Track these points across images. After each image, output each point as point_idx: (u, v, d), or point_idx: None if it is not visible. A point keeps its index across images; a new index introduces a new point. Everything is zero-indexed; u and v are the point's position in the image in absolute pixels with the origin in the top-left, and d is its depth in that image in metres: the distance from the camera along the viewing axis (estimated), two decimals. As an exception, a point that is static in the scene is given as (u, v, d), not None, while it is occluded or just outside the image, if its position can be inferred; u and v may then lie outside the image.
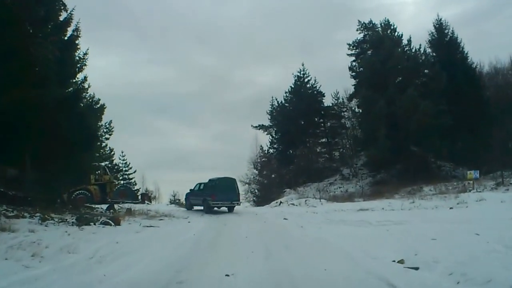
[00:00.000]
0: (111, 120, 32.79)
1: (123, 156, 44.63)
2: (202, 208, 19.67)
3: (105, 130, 31.37)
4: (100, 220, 11.73)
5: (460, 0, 68.37)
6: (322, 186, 29.55)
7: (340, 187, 29.85)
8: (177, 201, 38.42)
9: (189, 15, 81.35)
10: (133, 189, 34.49)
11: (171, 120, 77.55)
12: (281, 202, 24.63)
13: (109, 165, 40.66)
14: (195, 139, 74.56)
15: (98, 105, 27.27)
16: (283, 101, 39.62)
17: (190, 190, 21.85)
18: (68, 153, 14.17)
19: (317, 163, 34.74)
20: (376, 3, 66.31)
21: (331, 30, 76.21)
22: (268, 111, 41.33)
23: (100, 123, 28.44)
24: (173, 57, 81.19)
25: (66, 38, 15.46)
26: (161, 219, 14.54)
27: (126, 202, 25.40)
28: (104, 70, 65.60)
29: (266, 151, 38.41)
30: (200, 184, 20.84)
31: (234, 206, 19.72)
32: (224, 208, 19.88)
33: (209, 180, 19.98)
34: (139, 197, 30.81)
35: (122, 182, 41.12)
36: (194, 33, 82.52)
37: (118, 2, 77.64)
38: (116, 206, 20.17)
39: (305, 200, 23.50)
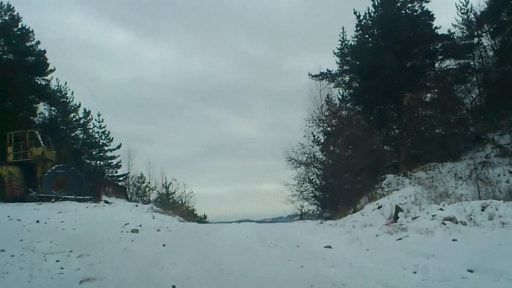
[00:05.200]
0: (44, 50, 24.84)
1: (99, 122, 27.52)
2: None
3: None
4: None
5: None
6: (467, 169, 13.72)
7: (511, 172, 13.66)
8: (163, 196, 24.46)
9: (238, 7, 78.57)
10: (80, 173, 18.88)
11: (221, 109, 75.84)
12: (399, 211, 9.30)
13: (83, 136, 27.26)
14: (245, 127, 70.47)
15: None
16: (364, 24, 23.48)
17: None
18: None
19: (434, 128, 18.60)
20: None
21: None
22: (336, 50, 25.57)
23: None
24: (223, 47, 79.04)
25: None
26: None
27: (67, 198, 16.49)
28: (157, 63, 69.03)
29: (338, 106, 22.33)
30: None
31: None
32: None
33: None
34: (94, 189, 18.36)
35: (99, 162, 27.23)
36: (244, 24, 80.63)
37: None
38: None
39: (483, 205, 8.00)
